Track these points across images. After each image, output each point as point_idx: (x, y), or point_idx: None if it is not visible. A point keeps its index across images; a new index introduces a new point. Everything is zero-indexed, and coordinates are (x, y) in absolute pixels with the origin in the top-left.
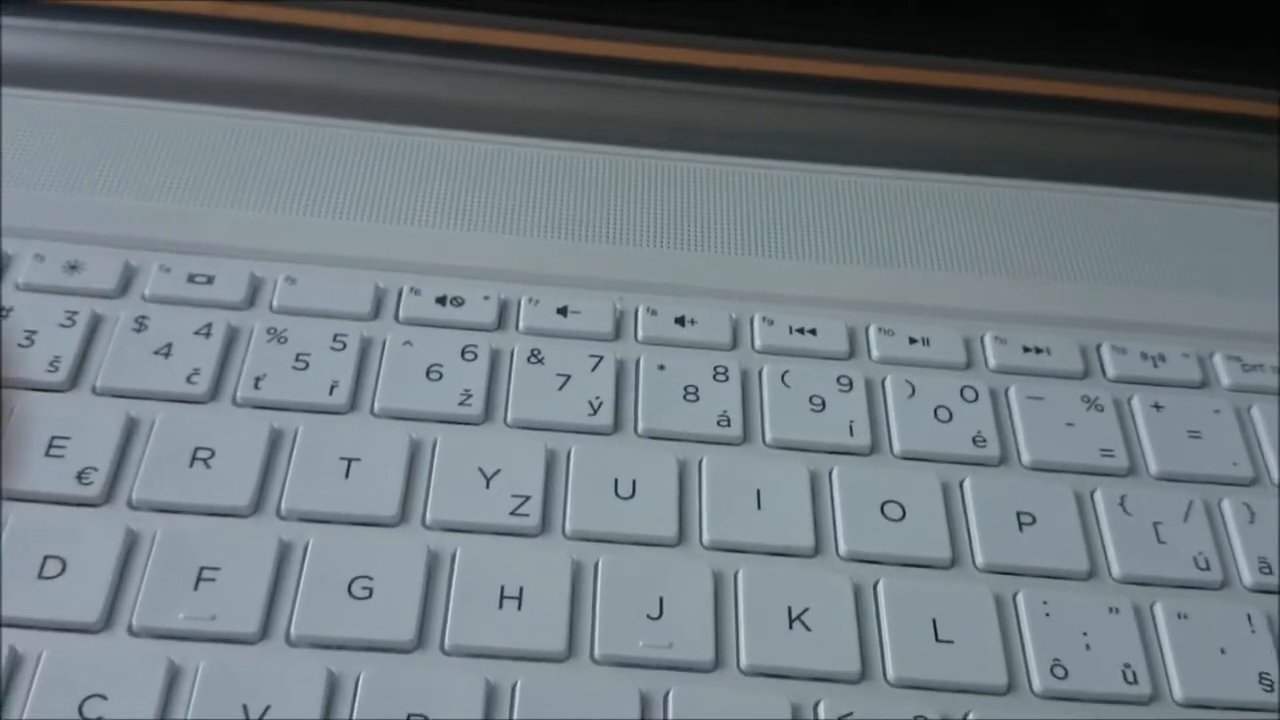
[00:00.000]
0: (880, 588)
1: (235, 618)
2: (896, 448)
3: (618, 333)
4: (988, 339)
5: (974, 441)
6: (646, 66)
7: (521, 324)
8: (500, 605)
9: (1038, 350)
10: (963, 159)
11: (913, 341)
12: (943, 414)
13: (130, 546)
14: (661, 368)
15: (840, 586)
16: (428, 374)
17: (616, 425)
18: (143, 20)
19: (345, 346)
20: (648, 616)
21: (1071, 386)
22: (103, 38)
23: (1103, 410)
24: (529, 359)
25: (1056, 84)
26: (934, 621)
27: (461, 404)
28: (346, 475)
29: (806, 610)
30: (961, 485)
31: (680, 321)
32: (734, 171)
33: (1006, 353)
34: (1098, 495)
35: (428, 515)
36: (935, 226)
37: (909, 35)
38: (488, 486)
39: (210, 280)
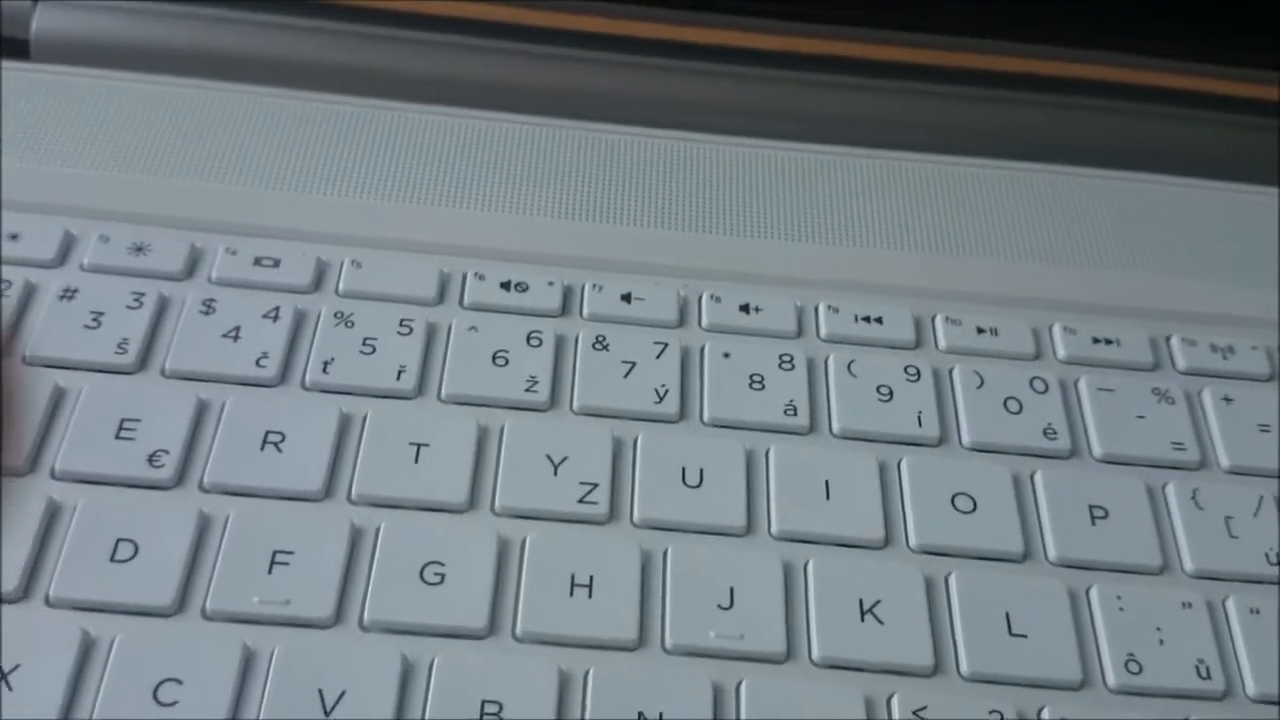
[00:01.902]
0: (952, 581)
1: (309, 602)
2: (966, 439)
3: (682, 320)
4: (1056, 330)
5: (1044, 434)
6: (711, 50)
7: (586, 310)
8: (571, 593)
9: (1107, 341)
10: (1000, 143)
11: (980, 331)
12: (1012, 405)
13: (203, 529)
14: (726, 356)
15: (912, 579)
16: (493, 360)
17: (682, 413)
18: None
19: (411, 331)
20: (718, 606)
21: (1141, 378)
22: (166, 17)
23: (1173, 403)
24: (594, 346)
25: (1072, 65)
26: (1007, 615)
27: (528, 390)
28: (416, 460)
29: (878, 603)
30: (1033, 478)
31: (745, 309)
32: (797, 158)
33: (1076, 343)
34: (1169, 489)
35: (497, 502)
36: (993, 212)
37: (915, 15)
38: (555, 473)
39: (276, 263)
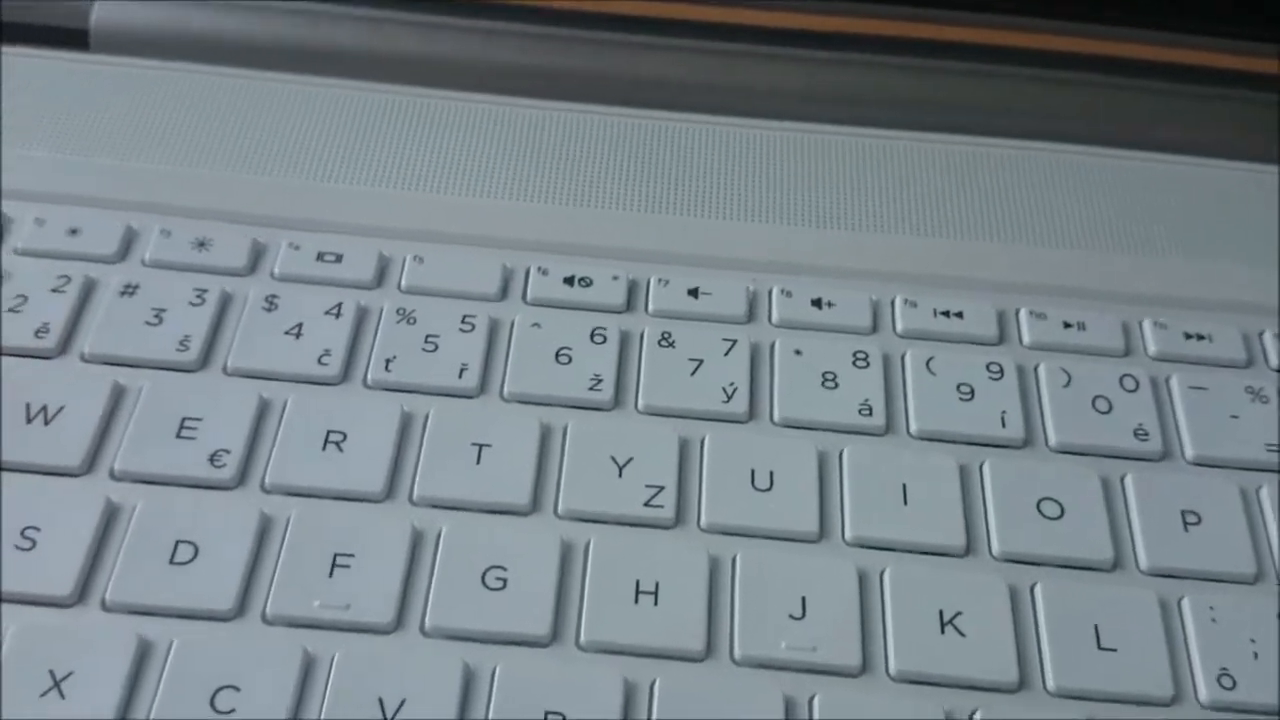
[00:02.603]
0: (1038, 591)
1: (370, 607)
2: (1052, 440)
3: (751, 315)
4: (1147, 325)
5: (1135, 435)
6: (774, 34)
7: (651, 306)
8: (636, 600)
9: (1199, 337)
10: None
11: (1067, 326)
12: (1101, 404)
13: (264, 531)
14: (798, 353)
15: (995, 589)
16: (556, 357)
17: (752, 413)
18: None
19: (474, 328)
20: (790, 616)
21: (1234, 376)
22: (225, 8)
23: (1267, 402)
24: (659, 342)
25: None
26: (1096, 628)
27: (592, 389)
28: (478, 461)
29: (959, 614)
30: (1123, 481)
31: (817, 304)
32: (868, 143)
33: (1167, 339)
34: (1263, 493)
35: (560, 504)
36: (1071, 200)
37: None
38: (620, 475)
39: (339, 259)
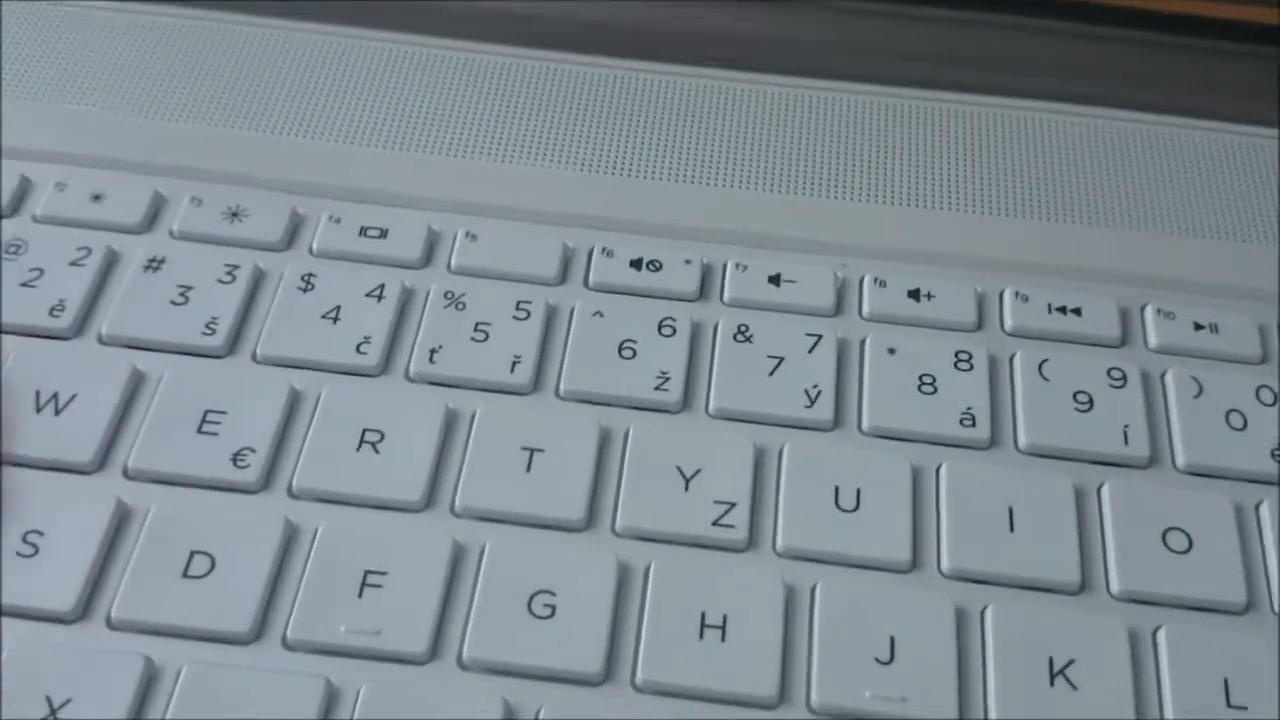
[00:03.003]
0: (1161, 636)
1: (402, 634)
2: (1181, 460)
3: (839, 307)
4: None
5: (1273, 455)
6: None
7: (727, 294)
8: (700, 635)
9: None
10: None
11: (1198, 328)
12: (1235, 420)
13: (289, 542)
14: (892, 351)
15: (1113, 633)
16: (619, 351)
17: (837, 420)
18: None
19: (529, 316)
20: (876, 660)
21: None
22: None
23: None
24: (735, 337)
25: None
26: (1225, 681)
27: (658, 388)
28: (528, 468)
29: (1071, 662)
30: (1258, 510)
31: (914, 295)
32: (972, 111)
33: None
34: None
35: (618, 521)
36: (1206, 182)
37: None
38: (686, 489)
39: (383, 234)
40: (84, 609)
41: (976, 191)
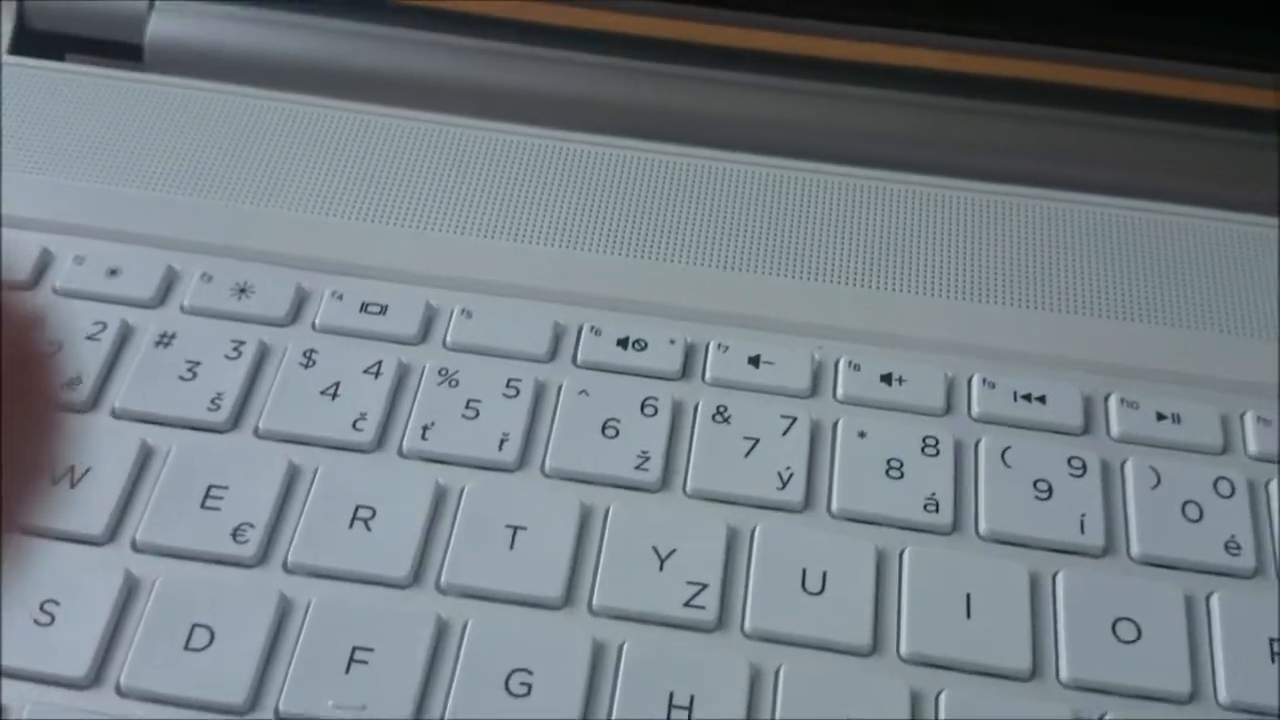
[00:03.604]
0: None
1: (387, 708)
2: (1135, 550)
3: (815, 388)
4: (1249, 419)
5: (1226, 548)
6: (847, 70)
7: (708, 374)
8: (668, 715)
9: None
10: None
11: (1161, 418)
12: (1192, 511)
13: (283, 616)
14: (862, 435)
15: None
16: (603, 429)
17: (808, 502)
18: (297, 6)
19: (518, 393)
20: None
21: None
22: (282, 26)
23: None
24: (714, 417)
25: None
26: None
27: (638, 467)
28: (511, 546)
29: None
30: (1209, 601)
31: (887, 379)
32: (948, 195)
33: (1270, 437)
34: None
35: (595, 599)
36: (1174, 272)
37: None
38: (661, 569)
39: (383, 310)
40: (95, 676)
41: (954, 276)
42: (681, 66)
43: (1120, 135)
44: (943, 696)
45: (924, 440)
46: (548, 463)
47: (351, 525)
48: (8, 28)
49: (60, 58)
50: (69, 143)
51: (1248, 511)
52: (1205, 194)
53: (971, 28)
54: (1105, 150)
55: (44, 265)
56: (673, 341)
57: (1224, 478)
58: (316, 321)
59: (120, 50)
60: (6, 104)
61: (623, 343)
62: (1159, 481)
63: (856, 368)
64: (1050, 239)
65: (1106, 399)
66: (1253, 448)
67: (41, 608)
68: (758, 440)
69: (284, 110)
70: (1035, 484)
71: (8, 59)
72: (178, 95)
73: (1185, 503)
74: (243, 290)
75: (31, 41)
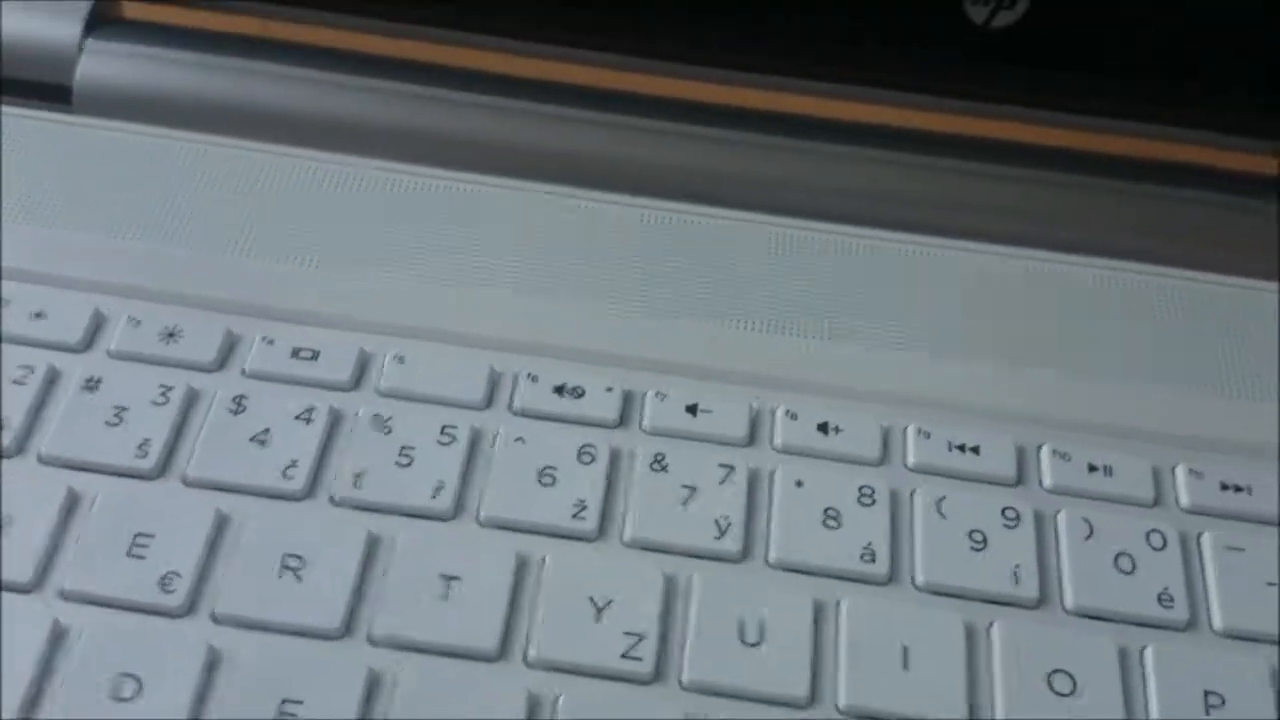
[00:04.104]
0: None
1: None
2: (1069, 602)
3: (752, 438)
4: (1180, 473)
5: (1159, 600)
6: (788, 123)
7: (646, 422)
8: None
9: (1237, 489)
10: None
11: (1093, 469)
12: (1124, 563)
13: (210, 668)
14: (799, 484)
15: None
16: (539, 478)
17: (745, 551)
18: (229, 50)
19: (453, 440)
20: None
21: (1273, 537)
22: (211, 69)
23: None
24: (652, 466)
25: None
26: None
27: (575, 516)
28: (445, 596)
29: None
30: (1142, 654)
31: (823, 429)
32: (888, 248)
33: (1201, 490)
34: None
35: (530, 651)
36: (1114, 324)
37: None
38: (598, 619)
39: (315, 356)
40: None
41: (892, 328)
42: (619, 115)
43: (1087, 194)
44: None
45: (860, 490)
46: (483, 511)
47: (281, 575)
48: None
49: None
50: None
51: (1180, 564)
52: (1141, 250)
53: (964, 91)
54: (1057, 207)
55: None
56: (610, 389)
57: (1156, 530)
58: (247, 367)
59: (47, 91)
60: None
61: (559, 390)
62: (1092, 533)
63: (794, 417)
64: (986, 293)
65: (1039, 450)
66: (1184, 500)
67: None
68: (695, 489)
69: (213, 153)
70: (970, 534)
71: None
72: (106, 137)
73: (1118, 554)
74: (171, 334)
75: None
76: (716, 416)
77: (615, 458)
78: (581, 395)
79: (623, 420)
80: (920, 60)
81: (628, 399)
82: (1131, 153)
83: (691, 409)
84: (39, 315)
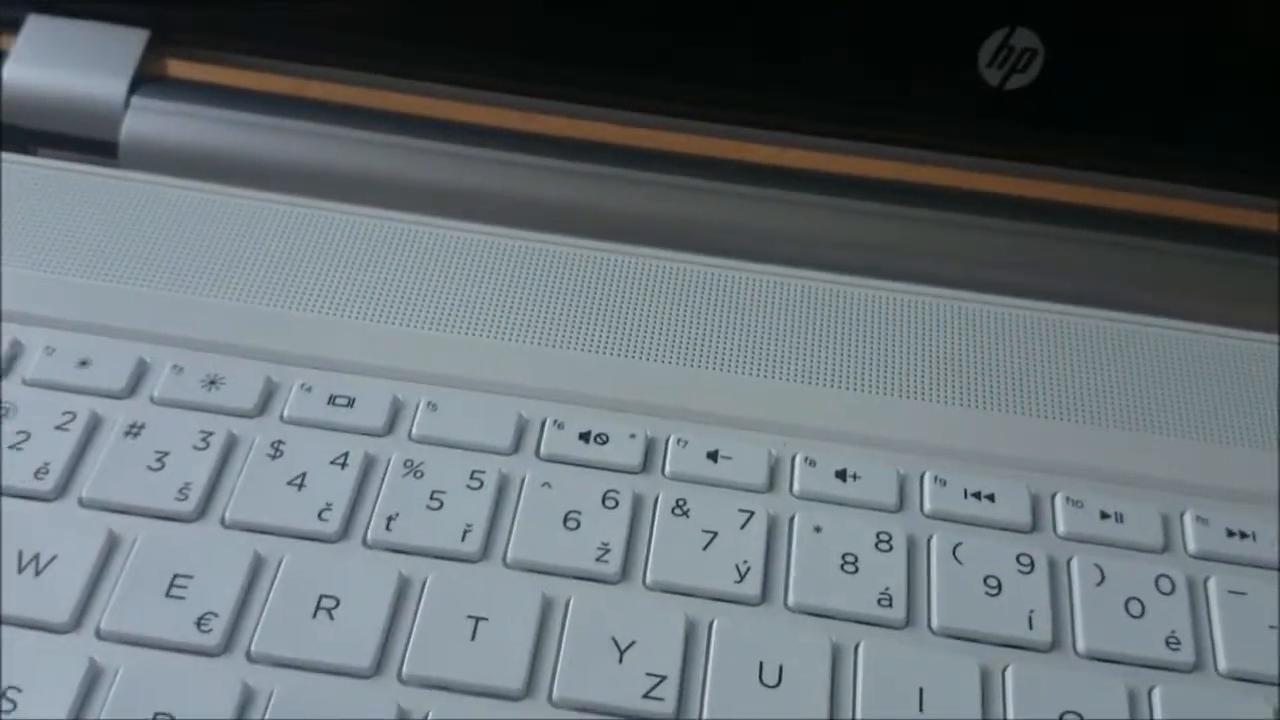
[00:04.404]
0: None
1: None
2: (1080, 646)
3: (772, 484)
4: (1188, 519)
5: (1167, 643)
6: (808, 178)
7: (668, 468)
8: None
9: (1242, 535)
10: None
11: (1104, 516)
12: (1134, 608)
13: (244, 706)
14: (818, 530)
15: None
16: (565, 521)
17: (765, 595)
18: (269, 108)
19: (482, 485)
20: None
21: (1274, 581)
22: (254, 128)
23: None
24: (673, 511)
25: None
26: None
27: (599, 559)
28: (473, 637)
29: None
30: (1150, 695)
31: (841, 476)
32: (906, 300)
33: (1208, 536)
34: None
35: (555, 691)
36: (1126, 373)
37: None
38: (620, 661)
39: (351, 403)
40: None
41: (909, 377)
42: (642, 172)
43: (1084, 247)
44: None
45: (878, 535)
46: (510, 554)
47: (315, 615)
48: None
49: (31, 151)
50: (42, 236)
51: (1187, 608)
52: (1151, 303)
53: (978, 149)
54: (1073, 262)
55: (14, 356)
56: (633, 436)
57: (1165, 575)
58: (285, 413)
59: (94, 146)
60: None
61: (584, 436)
62: (1103, 579)
63: (812, 463)
64: (1003, 345)
65: (1053, 498)
66: (1192, 546)
67: (4, 694)
68: (716, 533)
69: (254, 208)
70: (985, 580)
71: None
72: (151, 191)
73: (1128, 599)
74: (213, 382)
75: (4, 135)
76: (737, 463)
77: (638, 502)
78: (606, 442)
79: (645, 466)
80: (939, 120)
81: (650, 445)
82: (1138, 208)
83: (712, 455)
84: (84, 363)
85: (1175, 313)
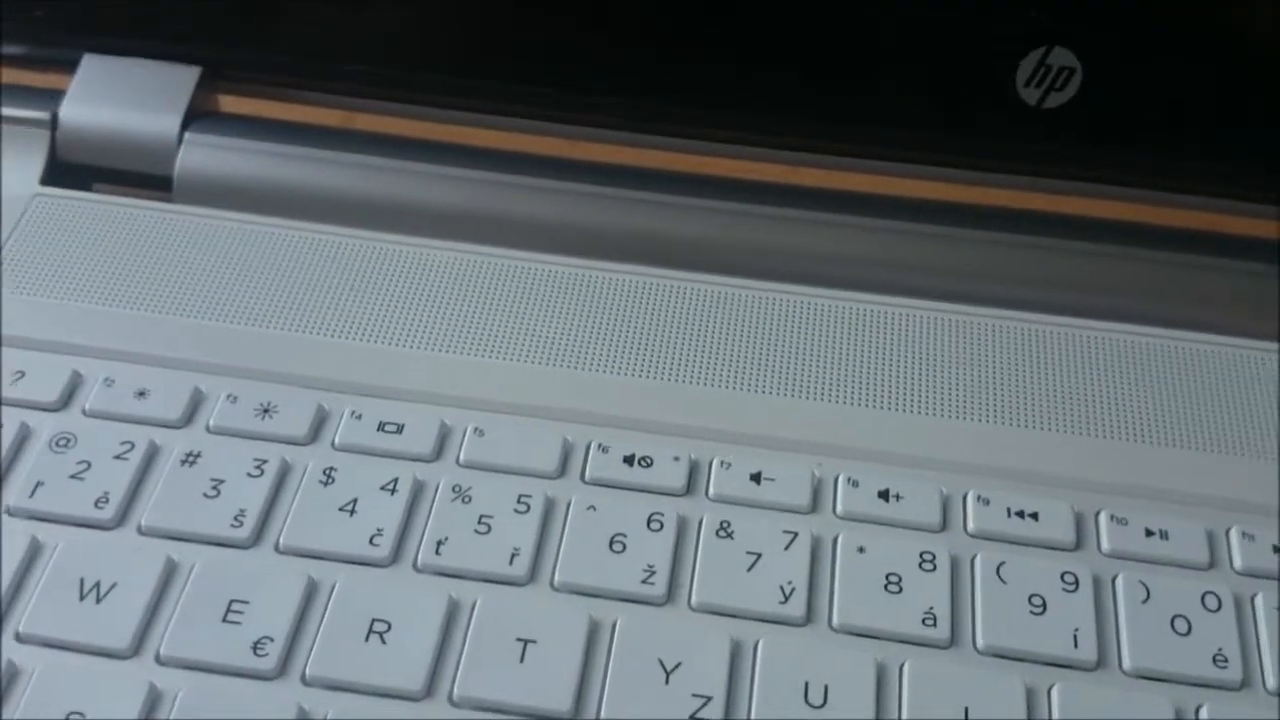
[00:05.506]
0: None
1: None
2: (1127, 664)
3: (815, 504)
4: (1234, 535)
5: (1214, 661)
6: (845, 199)
7: (712, 490)
8: None
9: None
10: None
11: (1149, 534)
12: (1180, 625)
13: None
14: (861, 550)
15: None
16: (610, 544)
17: (809, 616)
18: (318, 140)
19: (529, 509)
20: None
21: None
22: (302, 160)
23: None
24: (718, 533)
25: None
26: None
27: (644, 581)
28: (521, 659)
29: None
30: (1197, 713)
31: (884, 496)
32: (941, 319)
33: (1254, 552)
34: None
35: (603, 712)
36: (1170, 390)
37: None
38: (667, 682)
39: (400, 429)
40: None
41: (950, 397)
42: (685, 197)
43: (1122, 263)
44: None
45: (921, 555)
46: (557, 577)
47: (367, 639)
48: (40, 160)
49: (87, 187)
50: (100, 270)
51: (1234, 625)
52: (1201, 320)
53: (1014, 167)
54: (1112, 278)
55: (74, 387)
56: (677, 459)
57: (1211, 592)
58: (336, 440)
59: (149, 181)
60: (39, 234)
61: (629, 460)
62: (1149, 596)
63: (855, 484)
64: (1044, 362)
65: (1097, 515)
66: (1238, 563)
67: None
68: (760, 555)
69: (305, 239)
70: (1030, 599)
71: (39, 190)
72: (204, 224)
73: (1174, 616)
74: (266, 410)
75: (62, 172)
76: (780, 484)
77: (683, 525)
78: (650, 465)
79: (689, 488)
80: (978, 139)
81: (694, 468)
82: (1179, 224)
83: (755, 477)
84: (141, 394)
85: (1220, 328)
